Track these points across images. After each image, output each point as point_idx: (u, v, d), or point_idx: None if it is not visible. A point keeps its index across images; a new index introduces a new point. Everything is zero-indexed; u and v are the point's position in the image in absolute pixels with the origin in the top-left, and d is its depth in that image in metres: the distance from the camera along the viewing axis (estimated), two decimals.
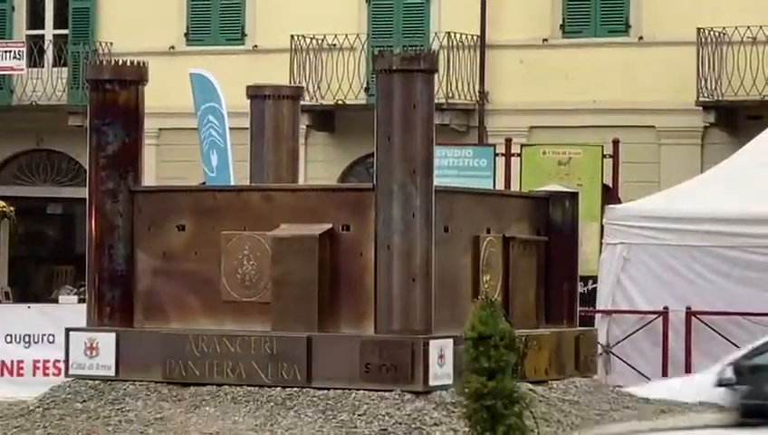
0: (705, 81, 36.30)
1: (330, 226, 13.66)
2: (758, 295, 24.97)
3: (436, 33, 37.99)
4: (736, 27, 35.97)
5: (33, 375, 22.74)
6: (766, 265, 25.30)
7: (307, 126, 35.80)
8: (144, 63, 14.92)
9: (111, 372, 13.91)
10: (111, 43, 39.00)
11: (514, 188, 29.13)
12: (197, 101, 29.04)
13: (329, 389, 13.06)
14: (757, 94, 35.71)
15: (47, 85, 40.98)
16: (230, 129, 27.02)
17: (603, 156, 31.85)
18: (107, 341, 14.00)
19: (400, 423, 12.46)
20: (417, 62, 13.73)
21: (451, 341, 13.03)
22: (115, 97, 14.50)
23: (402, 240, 13.30)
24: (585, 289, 24.39)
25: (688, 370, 25.07)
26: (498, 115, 38.07)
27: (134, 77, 14.64)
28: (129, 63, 14.91)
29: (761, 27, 35.83)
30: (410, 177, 13.37)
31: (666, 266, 25.72)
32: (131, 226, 14.35)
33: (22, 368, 23.65)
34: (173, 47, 38.99)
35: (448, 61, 36.25)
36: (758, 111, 34.07)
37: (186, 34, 40.19)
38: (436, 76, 14.03)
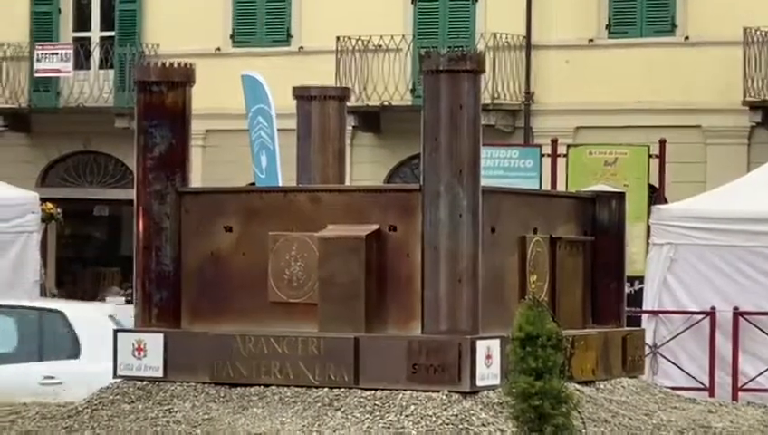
0: (752, 80, 36.26)
1: (376, 227, 13.64)
2: None
3: (481, 34, 38.02)
4: None
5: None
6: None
7: (353, 127, 35.85)
8: (191, 65, 14.93)
9: (159, 373, 13.92)
10: (158, 45, 39.13)
11: (560, 188, 29.13)
12: (248, 103, 29.10)
13: (376, 389, 13.05)
14: None
15: (94, 87, 41.11)
16: (277, 130, 27.10)
17: (649, 156, 31.83)
18: (155, 342, 14.02)
19: (447, 424, 12.46)
20: (464, 62, 13.72)
21: (498, 341, 13.02)
22: (162, 99, 14.51)
23: (449, 241, 13.28)
24: (632, 289, 24.39)
25: (735, 371, 25.06)
26: (544, 115, 38.10)
27: (181, 78, 14.66)
28: (175, 65, 14.91)
29: None
30: (457, 177, 13.36)
31: (712, 267, 25.68)
32: (179, 227, 14.36)
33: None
34: (219, 48, 39.12)
35: (494, 61, 36.28)
36: None
37: (231, 36, 40.29)
38: (482, 77, 14.01)
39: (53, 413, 14.02)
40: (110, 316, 21.32)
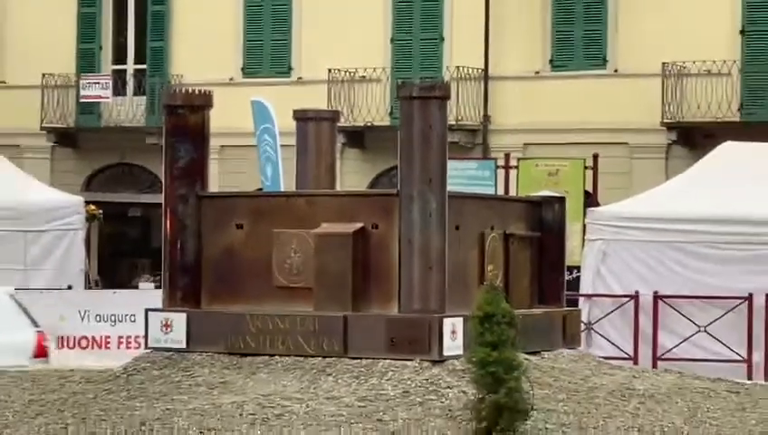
0: (669, 105, 36.26)
1: (362, 225, 13.66)
2: (714, 283, 25.01)
3: (447, 67, 37.94)
4: (694, 61, 35.97)
5: (118, 348, 22.80)
6: (720, 258, 25.29)
7: (342, 144, 35.79)
8: (209, 92, 14.96)
9: (183, 345, 13.93)
10: (182, 76, 38.99)
11: (512, 194, 29.15)
12: (256, 123, 29.10)
13: (361, 358, 13.06)
14: (711, 117, 35.69)
15: (129, 111, 41.01)
16: (282, 146, 27.09)
17: (585, 168, 31.85)
18: (179, 320, 14.02)
19: (420, 387, 12.47)
20: (433, 90, 13.76)
21: (461, 319, 13.04)
22: (185, 120, 14.53)
23: (421, 236, 13.31)
24: (571, 277, 24.35)
25: (655, 343, 25.11)
26: (498, 134, 38.00)
27: (201, 103, 14.68)
28: (196, 92, 14.95)
29: (714, 61, 35.80)
30: (427, 185, 13.39)
31: (637, 258, 25.74)
32: (199, 225, 14.38)
33: (109, 343, 23.73)
34: (232, 78, 39.00)
35: (458, 89, 36.22)
36: (712, 131, 34.02)
37: (242, 68, 40.17)
38: (448, 103, 14.03)
39: (95, 378, 14.03)
40: (10, 296, 21.20)
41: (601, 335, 25.11)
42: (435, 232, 13.31)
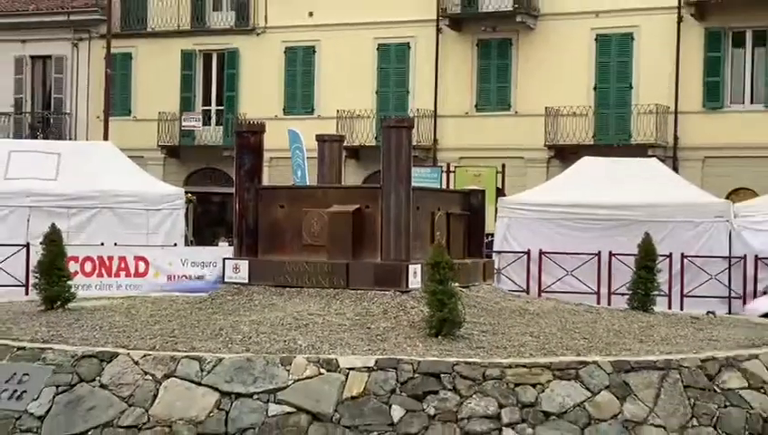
0: (549, 134, 36.43)
1: (358, 206, 13.66)
2: (578, 244, 25.14)
3: (411, 108, 38.06)
4: (565, 106, 36.05)
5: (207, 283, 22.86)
6: (581, 229, 25.46)
7: (346, 156, 35.90)
8: (263, 123, 14.99)
9: (246, 281, 13.95)
10: (245, 114, 39.01)
11: (451, 188, 29.24)
12: (291, 143, 29.13)
13: (357, 289, 13.10)
14: (575, 141, 35.79)
15: (212, 135, 41.10)
16: (307, 158, 27.10)
17: (497, 173, 31.98)
18: (244, 265, 14.03)
19: (394, 307, 12.52)
20: (403, 122, 13.80)
21: (420, 265, 13.09)
22: (248, 140, 14.56)
23: (395, 214, 13.34)
24: (488, 240, 24.46)
25: (539, 282, 25.21)
26: (443, 151, 38.14)
27: (258, 130, 14.70)
28: (255, 123, 14.99)
29: (577, 106, 35.84)
30: (399, 182, 13.43)
31: (529, 229, 25.86)
32: (257, 206, 14.40)
33: (201, 279, 23.75)
34: (276, 115, 39.07)
35: (418, 123, 36.37)
36: (576, 150, 34.11)
37: (283, 109, 40.27)
38: (413, 130, 14.04)
39: (191, 300, 14.08)
40: None
41: (507, 277, 25.18)
42: (403, 211, 13.36)
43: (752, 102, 35.23)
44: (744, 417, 9.97)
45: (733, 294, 25.56)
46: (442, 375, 9.61)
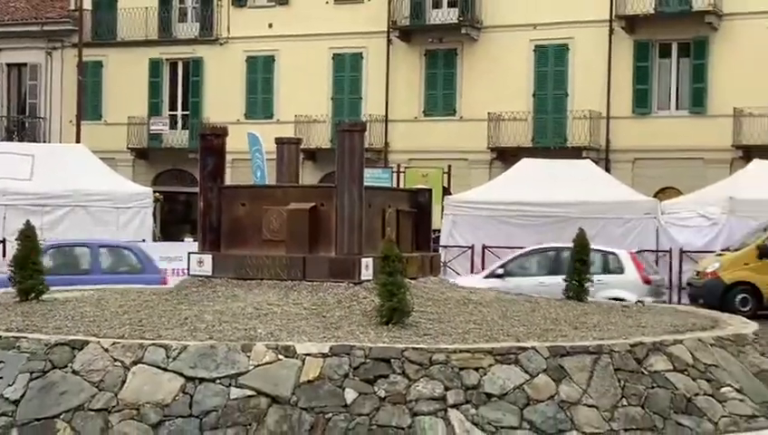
0: (492, 137, 36.55)
1: (314, 204, 13.54)
2: (517, 239, 25.21)
3: (364, 114, 38.05)
4: (506, 111, 36.18)
5: (174, 275, 22.72)
6: (520, 224, 25.55)
7: (303, 158, 35.86)
8: (225, 127, 14.87)
9: (209, 274, 13.80)
10: (210, 118, 38.88)
11: (401, 187, 29.31)
12: (251, 146, 29.00)
13: (314, 281, 13.01)
14: (516, 144, 35.94)
15: (179, 138, 40.87)
16: (266, 159, 27.02)
17: (444, 173, 32.06)
18: (208, 259, 13.88)
19: (347, 297, 12.47)
20: (356, 126, 13.74)
21: (371, 258, 13.04)
22: (212, 143, 14.40)
23: (349, 211, 13.26)
24: (435, 235, 24.55)
25: None
26: (394, 153, 38.19)
27: (220, 133, 14.54)
28: (218, 127, 14.86)
29: (518, 111, 35.93)
30: (352, 181, 13.37)
31: (473, 225, 25.96)
32: (219, 204, 14.26)
33: (166, 272, 23.64)
34: (239, 120, 38.94)
35: (371, 127, 36.38)
36: (516, 152, 34.29)
37: (244, 114, 40.14)
38: (365, 134, 13.99)
39: (158, 292, 13.95)
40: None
41: (452, 269, 25.25)
42: (356, 208, 13.30)
43: (677, 108, 35.56)
44: (669, 397, 10.05)
45: None
46: (392, 360, 9.61)
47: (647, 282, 20.89)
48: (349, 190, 13.28)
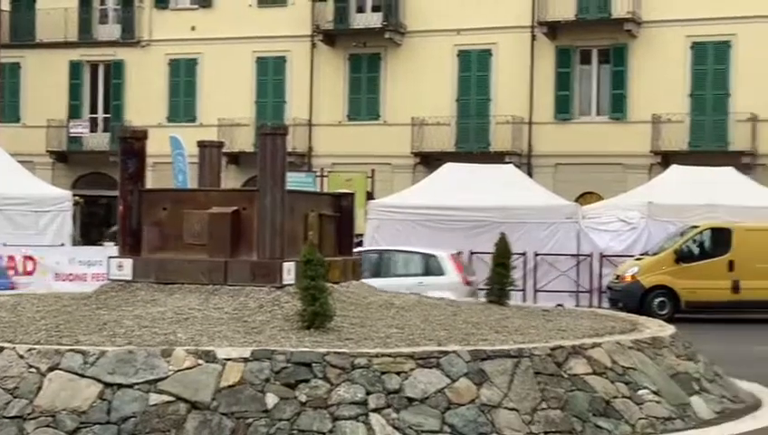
0: (415, 142, 36.67)
1: (236, 208, 13.43)
2: (440, 243, 25.36)
3: (288, 117, 37.97)
4: (430, 116, 36.33)
5: (93, 280, 22.44)
6: (443, 229, 25.71)
7: (226, 162, 35.69)
8: (145, 130, 14.69)
9: (129, 278, 13.63)
10: (131, 121, 38.52)
11: (324, 191, 29.29)
12: (173, 149, 28.75)
13: (235, 285, 12.91)
14: (439, 149, 36.09)
15: (99, 141, 40.41)
16: (189, 163, 26.81)
17: (367, 177, 32.08)
18: (128, 263, 13.71)
19: (269, 302, 12.40)
20: (278, 130, 13.67)
21: (294, 263, 12.97)
22: (132, 146, 14.23)
23: (271, 215, 13.20)
24: (358, 240, 24.55)
25: None
26: (318, 158, 38.17)
27: (141, 136, 14.37)
28: (138, 130, 14.71)
29: (441, 116, 36.07)
30: (275, 185, 13.30)
31: (396, 229, 25.99)
32: (140, 207, 14.10)
33: (86, 277, 23.33)
34: (160, 123, 38.60)
35: (294, 131, 36.29)
36: (440, 157, 34.44)
37: (167, 117, 39.82)
38: (287, 137, 13.93)
39: (77, 297, 13.76)
40: None
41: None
42: (278, 213, 13.24)
43: (598, 114, 36.00)
44: (588, 400, 10.16)
45: (580, 289, 26.07)
46: (313, 365, 9.58)
47: (467, 283, 21.14)
48: (271, 194, 13.19)
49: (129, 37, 40.69)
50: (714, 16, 33.67)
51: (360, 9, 38.29)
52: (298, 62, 38.77)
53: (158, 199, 14.28)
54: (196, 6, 40.15)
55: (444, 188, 26.91)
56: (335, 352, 9.75)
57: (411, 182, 33.47)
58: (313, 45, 38.54)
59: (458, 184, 26.76)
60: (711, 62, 34.42)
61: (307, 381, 9.47)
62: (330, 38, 38.36)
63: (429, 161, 35.67)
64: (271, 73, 39.27)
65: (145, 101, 39.82)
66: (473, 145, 36.45)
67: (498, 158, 34.48)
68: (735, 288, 24.11)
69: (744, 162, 32.51)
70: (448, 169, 28.37)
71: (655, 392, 10.66)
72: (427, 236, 25.66)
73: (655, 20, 34.72)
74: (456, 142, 36.70)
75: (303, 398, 9.38)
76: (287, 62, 39.07)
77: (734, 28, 33.66)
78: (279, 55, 39.08)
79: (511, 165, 31.30)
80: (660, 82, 34.34)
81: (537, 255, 25.71)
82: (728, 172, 28.31)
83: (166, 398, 9.24)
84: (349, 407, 9.37)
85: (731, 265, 24.22)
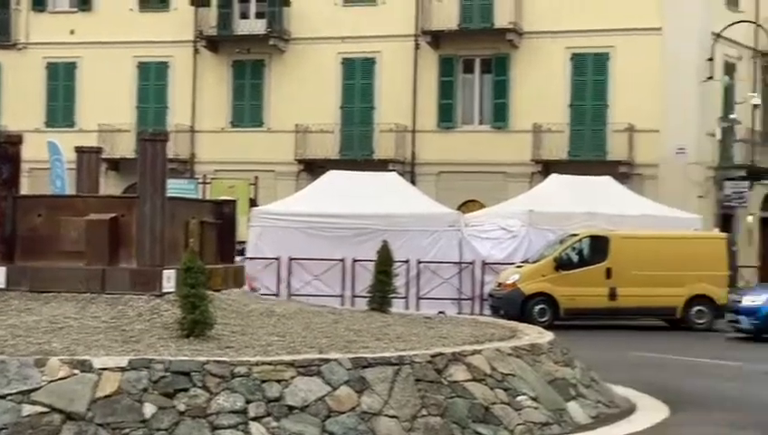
0: (299, 149, 36.63)
1: (115, 214, 13.31)
2: (322, 251, 25.39)
3: (171, 124, 37.59)
4: (314, 123, 36.22)
5: None
6: (325, 237, 25.75)
7: (106, 168, 35.12)
8: (20, 135, 14.42)
9: (3, 286, 13.31)
10: (7, 126, 37.60)
11: (206, 198, 29.05)
12: (51, 154, 28.20)
13: (113, 294, 12.75)
14: (324, 156, 36.09)
15: None
16: (67, 169, 26.31)
17: (250, 184, 31.92)
18: (1, 271, 13.43)
19: (148, 310, 12.28)
20: (158, 136, 13.56)
21: (174, 270, 12.84)
22: (6, 151, 13.97)
23: (151, 222, 13.06)
24: (241, 247, 24.44)
25: (289, 284, 25.31)
26: (200, 164, 37.85)
27: (16, 141, 14.12)
28: (12, 134, 14.41)
29: (325, 123, 36.07)
30: (155, 192, 13.16)
31: (279, 237, 25.95)
32: (14, 213, 13.83)
33: None
34: (38, 128, 37.81)
35: (177, 137, 35.95)
36: (323, 164, 34.45)
37: (45, 122, 39.04)
38: (167, 143, 13.78)
39: None
40: None
41: (258, 280, 25.17)
42: (158, 219, 13.10)
43: (480, 123, 36.43)
44: (468, 406, 10.27)
45: (462, 296, 26.35)
46: (192, 373, 9.50)
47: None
48: (151, 201, 13.04)
49: (5, 40, 39.77)
50: (593, 28, 34.36)
51: (244, 15, 38.10)
52: (180, 67, 38.39)
53: (33, 206, 14.00)
54: (75, 9, 39.46)
55: (327, 195, 26.94)
56: (215, 361, 9.68)
57: (295, 189, 33.38)
58: (196, 51, 38.21)
59: (341, 191, 26.82)
60: (590, 74, 35.13)
61: (186, 390, 9.39)
62: (213, 44, 38.09)
63: (313, 169, 35.64)
64: (153, 79, 38.81)
65: (22, 105, 38.96)
66: (356, 153, 36.55)
67: (381, 165, 34.63)
68: (612, 295, 24.62)
69: (621, 171, 33.23)
70: (332, 176, 28.42)
71: (533, 398, 10.83)
72: (310, 243, 25.67)
73: (536, 31, 35.29)
74: (340, 150, 36.77)
75: (182, 407, 9.29)
76: (169, 67, 38.66)
77: (613, 40, 34.41)
78: (161, 61, 38.65)
79: (394, 173, 31.48)
80: (541, 91, 34.92)
81: (420, 262, 25.91)
82: (606, 181, 28.92)
83: (39, 409, 9.06)
84: (228, 416, 9.32)
85: (608, 273, 24.73)
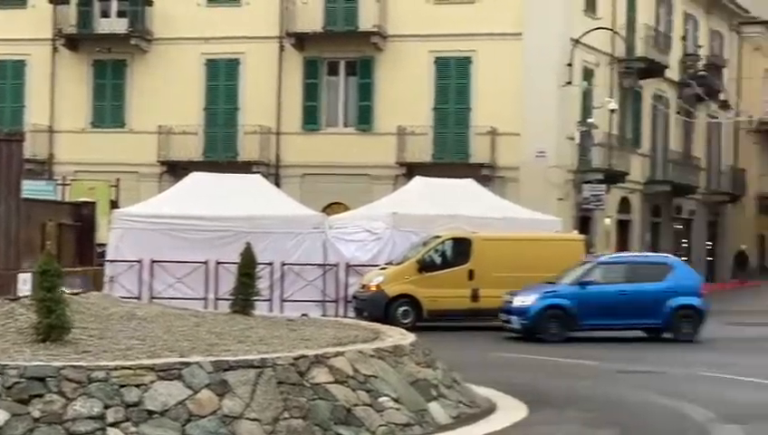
0: (162, 149, 36.10)
1: None
2: (186, 253, 25.16)
3: (28, 123, 36.63)
4: (176, 124, 35.79)
5: None
6: (189, 239, 25.49)
7: None
8: None
9: None
10: None
11: (65, 200, 28.41)
12: None
13: None
14: (188, 158, 35.67)
15: None
16: None
17: (111, 186, 31.37)
18: None
19: (2, 315, 11.94)
20: (15, 135, 13.28)
21: (30, 274, 12.56)
22: None
23: (6, 224, 12.78)
24: (102, 250, 23.99)
25: (151, 289, 24.97)
26: (60, 165, 37.14)
27: None
28: None
29: (188, 124, 35.69)
30: (9, 193, 12.86)
31: (141, 239, 25.61)
32: None
33: None
34: None
35: (35, 137, 35.09)
36: (187, 166, 33.99)
37: None
38: (23, 144, 13.47)
39: None
40: None
41: (120, 284, 24.76)
42: (13, 221, 12.82)
43: (345, 126, 36.53)
44: (330, 408, 10.29)
45: (327, 298, 26.38)
46: (48, 379, 9.30)
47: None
48: (5, 202, 12.77)
49: None
50: (456, 33, 34.79)
51: (105, 14, 37.41)
52: (38, 66, 37.52)
53: None
54: None
55: (190, 197, 26.65)
56: (71, 366, 9.50)
57: (158, 191, 32.89)
58: (55, 50, 37.40)
59: (205, 193, 26.56)
60: (453, 77, 35.56)
61: (41, 396, 9.20)
62: (72, 43, 37.32)
63: (176, 170, 35.18)
64: (9, 77, 37.86)
65: None
66: (220, 154, 36.27)
67: (246, 167, 34.43)
68: (475, 296, 24.94)
69: (483, 174, 33.72)
70: (195, 178, 28.12)
71: (395, 399, 10.91)
72: (173, 246, 25.36)
73: (400, 34, 35.55)
74: (204, 151, 36.43)
75: (37, 413, 9.10)
76: (27, 66, 37.75)
77: (475, 45, 34.89)
78: (18, 59, 37.71)
79: (258, 175, 31.33)
80: (405, 94, 35.20)
81: (284, 264, 25.84)
82: (469, 184, 29.29)
83: None
84: (85, 422, 9.16)
85: (471, 275, 25.05)
